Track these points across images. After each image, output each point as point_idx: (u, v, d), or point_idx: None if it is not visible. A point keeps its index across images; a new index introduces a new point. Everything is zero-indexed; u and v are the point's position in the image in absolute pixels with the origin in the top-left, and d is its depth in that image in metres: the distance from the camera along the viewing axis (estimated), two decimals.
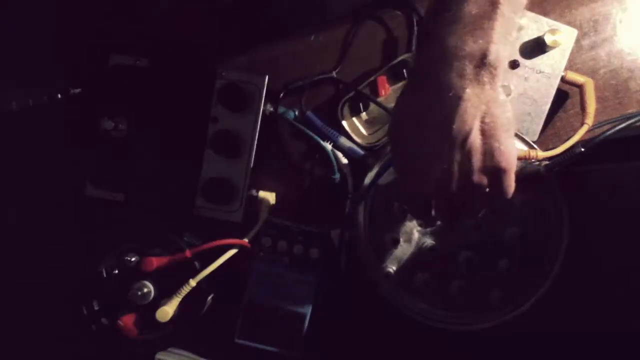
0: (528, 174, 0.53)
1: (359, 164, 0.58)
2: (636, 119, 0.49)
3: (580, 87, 0.56)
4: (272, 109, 0.57)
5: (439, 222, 0.54)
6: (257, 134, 0.53)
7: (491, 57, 0.38)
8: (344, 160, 0.58)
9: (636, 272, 0.51)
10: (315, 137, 0.57)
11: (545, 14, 0.57)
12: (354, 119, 0.58)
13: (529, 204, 0.53)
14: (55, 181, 0.60)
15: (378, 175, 0.52)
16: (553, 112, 0.58)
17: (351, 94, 0.58)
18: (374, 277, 0.54)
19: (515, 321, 0.53)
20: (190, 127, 0.53)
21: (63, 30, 0.61)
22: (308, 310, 0.53)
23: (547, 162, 0.52)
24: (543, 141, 0.58)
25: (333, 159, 0.57)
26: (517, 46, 0.56)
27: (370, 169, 0.54)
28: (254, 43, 0.61)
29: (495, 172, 0.41)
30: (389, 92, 0.58)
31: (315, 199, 0.60)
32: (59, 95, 0.59)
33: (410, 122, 0.41)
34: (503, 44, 0.39)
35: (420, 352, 0.58)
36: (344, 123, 0.58)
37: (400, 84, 0.58)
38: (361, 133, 0.58)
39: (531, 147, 0.54)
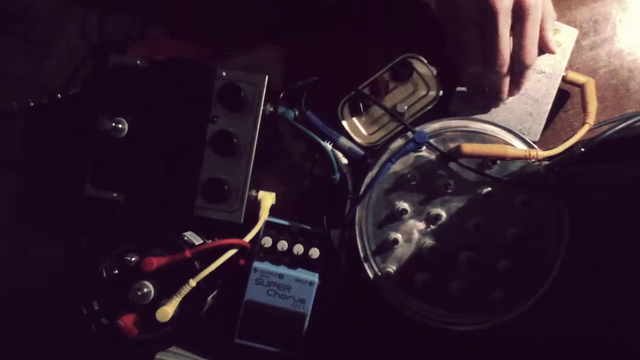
0: (528, 174, 0.53)
1: (359, 164, 0.58)
2: (636, 119, 0.49)
3: (581, 87, 0.56)
4: (272, 109, 0.57)
5: (439, 223, 0.54)
6: (257, 134, 0.53)
7: None
8: (344, 160, 0.58)
9: (636, 272, 0.51)
10: (315, 137, 0.57)
11: None
12: (354, 119, 0.58)
13: (529, 204, 0.53)
14: (55, 181, 0.60)
15: (378, 175, 0.52)
16: (553, 112, 0.58)
17: (351, 94, 0.58)
18: (374, 277, 0.54)
19: (515, 321, 0.53)
20: (190, 127, 0.53)
21: (63, 30, 0.61)
22: (308, 310, 0.53)
23: (547, 162, 0.52)
24: (543, 141, 0.58)
25: (333, 159, 0.57)
26: None
27: (370, 169, 0.54)
28: (254, 43, 0.61)
29: None
30: (389, 92, 0.58)
31: (315, 199, 0.60)
32: (59, 95, 0.59)
33: None
34: None
35: (420, 352, 0.58)
36: (344, 123, 0.58)
37: (400, 84, 0.58)
38: (361, 133, 0.58)
39: (531, 147, 0.54)
